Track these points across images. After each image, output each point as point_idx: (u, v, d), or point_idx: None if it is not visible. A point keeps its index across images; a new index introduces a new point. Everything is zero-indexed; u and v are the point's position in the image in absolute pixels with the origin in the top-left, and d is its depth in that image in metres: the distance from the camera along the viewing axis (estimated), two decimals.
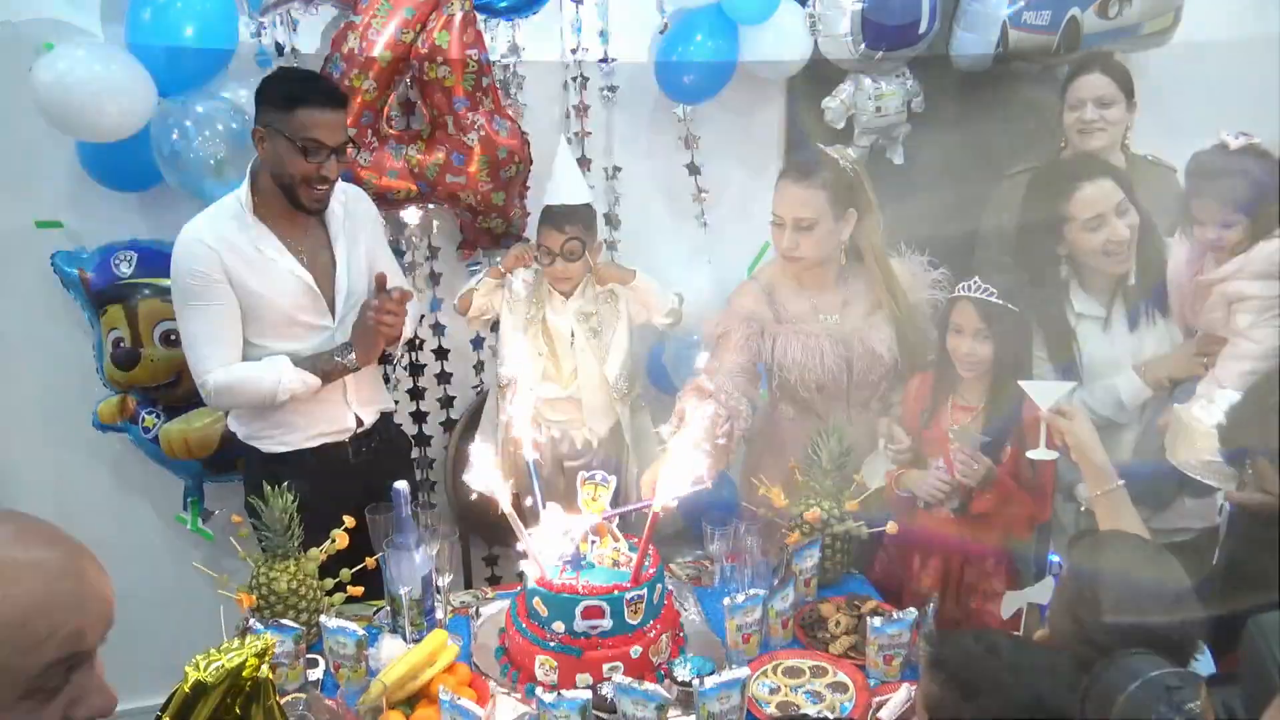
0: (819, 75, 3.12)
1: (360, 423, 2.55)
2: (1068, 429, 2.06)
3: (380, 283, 2.41)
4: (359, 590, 2.21)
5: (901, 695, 1.95)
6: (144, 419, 2.84)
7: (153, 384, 2.77)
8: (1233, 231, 2.29)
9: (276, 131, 2.25)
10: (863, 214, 2.48)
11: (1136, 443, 2.50)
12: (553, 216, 2.64)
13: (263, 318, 2.38)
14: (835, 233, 2.47)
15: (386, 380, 3.06)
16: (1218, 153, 2.33)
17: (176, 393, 2.77)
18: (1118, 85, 2.77)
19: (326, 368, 2.39)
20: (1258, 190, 2.25)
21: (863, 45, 2.97)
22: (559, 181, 2.67)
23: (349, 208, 2.48)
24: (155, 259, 2.66)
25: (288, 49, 2.75)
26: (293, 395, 2.35)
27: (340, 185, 2.48)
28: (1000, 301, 2.32)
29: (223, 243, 2.31)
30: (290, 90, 2.26)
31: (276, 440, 2.49)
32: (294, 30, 2.74)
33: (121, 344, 2.71)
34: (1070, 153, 2.79)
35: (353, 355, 2.39)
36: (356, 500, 2.28)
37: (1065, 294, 2.53)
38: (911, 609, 2.07)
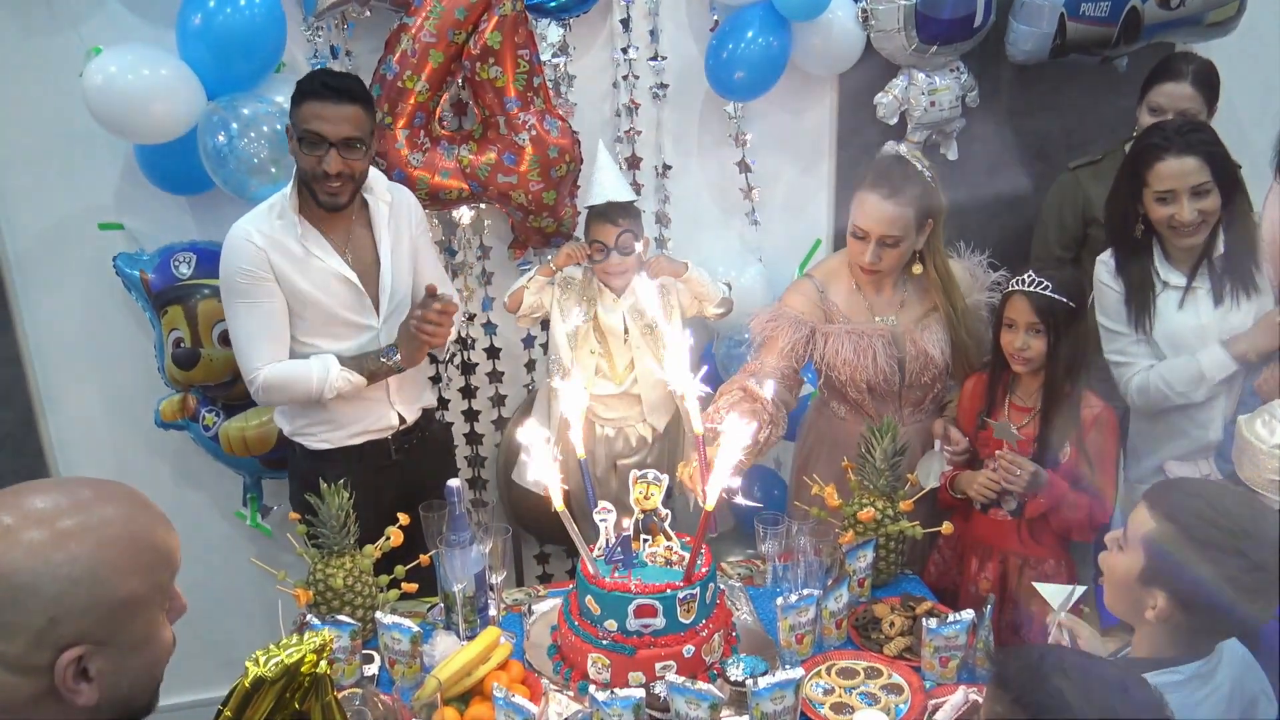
0: (871, 70, 3.09)
1: (403, 420, 2.58)
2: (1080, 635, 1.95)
3: (430, 292, 2.41)
4: (413, 587, 2.23)
5: (958, 698, 1.92)
6: (204, 417, 2.89)
7: (212, 383, 2.82)
8: None
9: (293, 127, 2.30)
10: (937, 223, 2.45)
11: (1231, 411, 2.43)
12: (602, 211, 2.65)
13: (308, 316, 2.41)
14: (914, 244, 2.44)
15: (438, 379, 3.09)
16: None
17: (235, 391, 2.81)
18: (1203, 97, 2.70)
19: (372, 368, 2.41)
20: None
21: (916, 40, 2.94)
22: (603, 181, 2.67)
23: (395, 208, 2.50)
24: (214, 260, 2.69)
25: (341, 52, 2.79)
26: (339, 394, 2.38)
27: (386, 185, 2.51)
28: (1055, 295, 2.28)
29: (270, 241, 2.35)
30: (301, 85, 2.31)
31: (319, 437, 2.52)
32: (348, 33, 2.77)
33: (181, 344, 2.77)
34: None
35: (398, 357, 2.41)
36: (398, 495, 2.32)
37: (1149, 256, 2.47)
38: (968, 610, 2.04)
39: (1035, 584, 2.01)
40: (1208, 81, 2.74)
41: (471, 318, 3.10)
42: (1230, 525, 1.45)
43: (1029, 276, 2.32)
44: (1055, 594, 1.92)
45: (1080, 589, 1.96)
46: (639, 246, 2.68)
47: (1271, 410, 2.07)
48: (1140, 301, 2.47)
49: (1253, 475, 2.06)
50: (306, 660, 1.39)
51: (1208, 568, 1.45)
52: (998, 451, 2.36)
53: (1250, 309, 2.42)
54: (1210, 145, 2.37)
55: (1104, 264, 2.56)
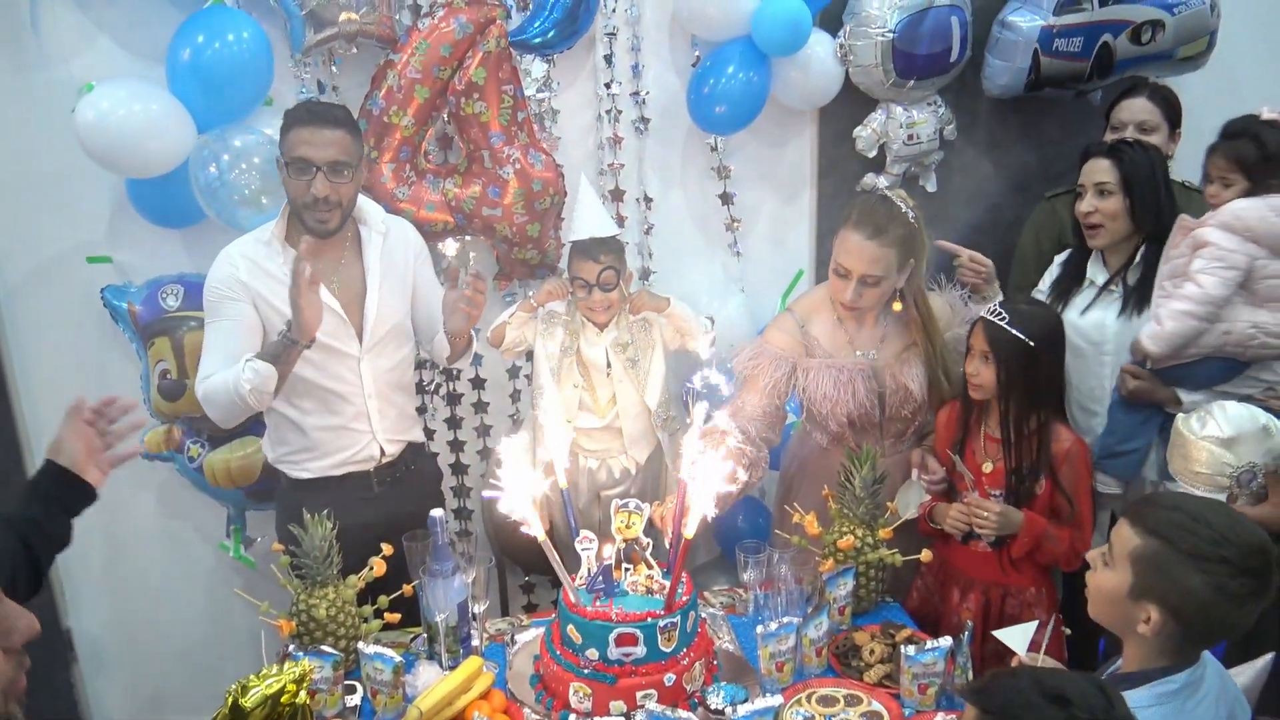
0: (850, 104, 3.15)
1: (383, 453, 2.58)
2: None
3: (453, 275, 2.42)
4: (396, 617, 2.24)
5: None
6: (189, 448, 2.90)
7: (197, 414, 2.82)
8: (1228, 190, 2.41)
9: (281, 156, 2.34)
10: (919, 262, 2.48)
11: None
12: (584, 248, 2.67)
13: None
14: (895, 283, 2.47)
15: (423, 410, 3.10)
16: (1246, 118, 2.45)
17: None
18: (1161, 113, 2.81)
19: (275, 351, 2.33)
20: (1263, 157, 2.36)
21: (893, 75, 2.99)
22: (585, 217, 2.69)
23: (390, 239, 2.52)
24: (201, 292, 2.73)
25: (329, 87, 2.83)
26: (252, 386, 2.29)
27: (382, 217, 2.54)
28: (1008, 327, 2.30)
29: (250, 265, 2.38)
30: (288, 114, 2.36)
31: (300, 466, 2.53)
32: (335, 69, 2.82)
33: (168, 375, 2.78)
34: None
35: (290, 331, 2.30)
36: (383, 530, 2.30)
37: (1087, 258, 2.68)
38: (946, 637, 2.06)
39: (994, 633, 2.00)
40: (1165, 98, 2.85)
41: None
42: (1212, 533, 1.50)
43: (994, 305, 2.36)
44: (1013, 636, 1.94)
45: (1034, 625, 1.97)
46: (620, 282, 2.71)
47: (1209, 409, 2.17)
48: (1062, 290, 2.68)
49: (1181, 467, 2.15)
50: (287, 690, 1.41)
51: (1196, 577, 1.49)
52: (964, 497, 2.40)
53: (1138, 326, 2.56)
54: (1128, 156, 2.54)
55: (1056, 263, 2.79)
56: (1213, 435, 2.11)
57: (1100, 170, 2.54)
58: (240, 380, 2.30)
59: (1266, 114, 2.40)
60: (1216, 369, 2.47)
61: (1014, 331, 2.29)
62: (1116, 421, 2.58)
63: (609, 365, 2.74)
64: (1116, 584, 1.58)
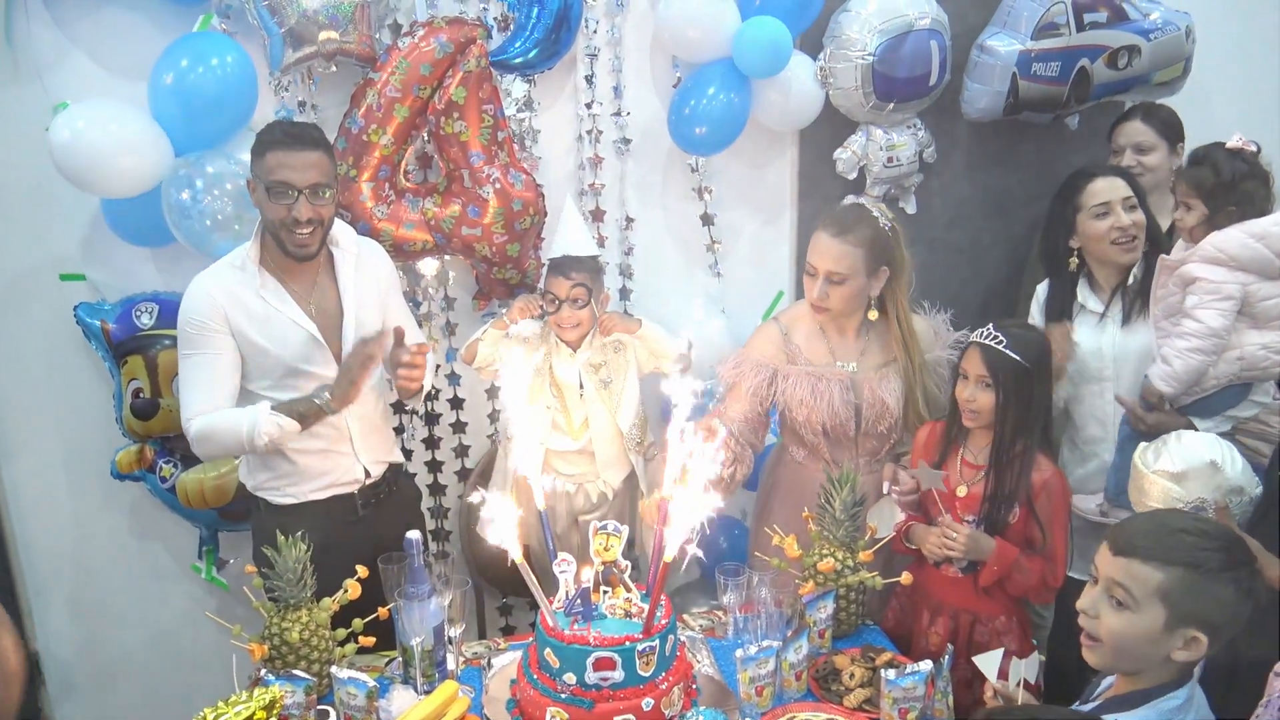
0: (831, 126, 3.16)
1: (368, 474, 2.56)
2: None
3: (399, 336, 2.39)
4: (371, 640, 2.20)
5: None
6: (161, 468, 2.86)
7: (171, 434, 2.80)
8: (1190, 215, 2.46)
9: (257, 179, 2.31)
10: (895, 271, 2.50)
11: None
12: (559, 265, 2.68)
13: (266, 367, 2.39)
14: (866, 288, 2.49)
15: (401, 430, 3.08)
16: (1210, 145, 2.49)
17: None
18: (1157, 132, 2.90)
19: (302, 409, 2.35)
20: (1218, 184, 2.41)
21: (873, 98, 3.01)
22: (565, 234, 2.71)
23: (361, 260, 2.50)
24: (176, 311, 2.70)
25: (308, 105, 2.82)
26: (270, 440, 2.31)
27: (354, 238, 2.52)
28: (1007, 351, 2.28)
29: (226, 293, 2.34)
30: (262, 136, 2.32)
31: (284, 492, 2.49)
32: (314, 88, 2.80)
33: (141, 394, 2.75)
34: None
35: (328, 397, 2.34)
36: (364, 552, 2.28)
37: (1074, 286, 2.72)
38: (926, 661, 2.04)
39: (974, 659, 1.99)
40: (1163, 119, 2.93)
41: (436, 369, 3.10)
42: (1216, 543, 1.52)
43: (988, 330, 2.34)
44: (988, 662, 1.92)
45: (1000, 653, 1.95)
46: (593, 302, 2.71)
47: (1165, 440, 2.19)
48: (1056, 333, 2.67)
49: (1137, 500, 2.17)
50: (256, 717, 1.38)
51: (1228, 588, 1.51)
52: (938, 518, 2.38)
53: (1146, 331, 2.62)
54: (1124, 171, 2.69)
55: (1036, 301, 2.80)
56: (1164, 469, 2.10)
57: (1121, 187, 2.62)
58: (259, 431, 2.30)
59: (1231, 142, 2.45)
60: (1231, 394, 2.51)
61: (1013, 355, 2.28)
62: (1128, 457, 2.55)
63: (581, 386, 2.73)
64: (1148, 623, 1.55)
